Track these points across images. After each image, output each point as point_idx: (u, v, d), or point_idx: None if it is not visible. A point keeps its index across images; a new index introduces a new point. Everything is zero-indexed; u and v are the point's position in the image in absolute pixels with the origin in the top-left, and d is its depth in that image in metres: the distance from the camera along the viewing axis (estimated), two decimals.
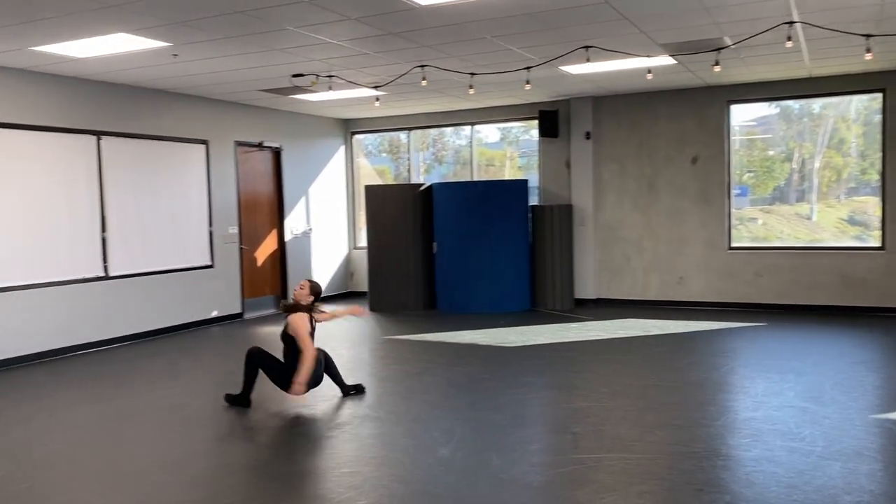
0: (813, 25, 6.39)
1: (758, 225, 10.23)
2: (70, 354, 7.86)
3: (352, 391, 5.87)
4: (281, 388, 5.54)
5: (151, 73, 7.82)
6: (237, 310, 10.09)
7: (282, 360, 5.56)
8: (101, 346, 8.20)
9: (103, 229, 8.23)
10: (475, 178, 11.52)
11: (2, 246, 7.25)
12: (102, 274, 8.24)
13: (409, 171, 12.12)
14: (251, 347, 5.67)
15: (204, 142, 9.57)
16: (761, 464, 4.16)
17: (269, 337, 8.82)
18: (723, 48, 7.15)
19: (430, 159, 12.56)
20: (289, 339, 5.51)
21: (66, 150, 7.87)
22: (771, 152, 10.15)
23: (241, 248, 10.18)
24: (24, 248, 7.45)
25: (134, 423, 5.40)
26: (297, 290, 5.71)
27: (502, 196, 10.21)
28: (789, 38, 6.39)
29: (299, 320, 5.49)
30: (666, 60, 7.78)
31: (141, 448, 4.80)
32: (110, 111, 8.34)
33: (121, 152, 8.45)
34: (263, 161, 10.75)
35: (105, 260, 8.26)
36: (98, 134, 8.20)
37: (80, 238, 7.99)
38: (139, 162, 8.68)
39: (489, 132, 11.84)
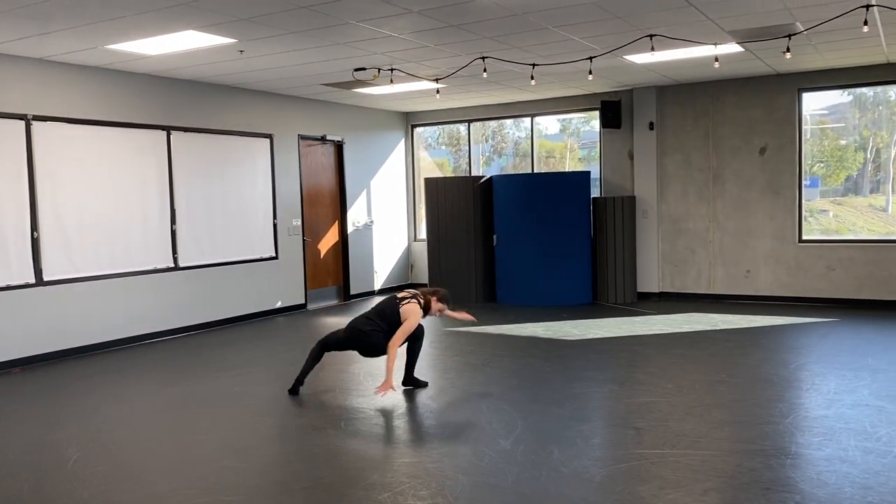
0: (891, 8, 6.12)
1: (829, 217, 9.89)
2: (141, 343, 8.14)
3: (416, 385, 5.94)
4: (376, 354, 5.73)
5: (218, 69, 8.01)
6: (300, 301, 10.27)
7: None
8: (170, 334, 8.47)
9: (173, 222, 8.48)
10: (535, 170, 11.44)
11: (80, 237, 7.55)
12: (172, 265, 8.50)
13: (468, 163, 12.12)
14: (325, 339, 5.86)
15: (268, 136, 9.76)
16: (833, 464, 4.03)
17: (330, 328, 8.97)
18: (794, 34, 6.91)
19: (490, 151, 12.53)
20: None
21: (138, 144, 8.13)
22: (843, 142, 9.78)
23: (305, 240, 10.36)
24: (100, 240, 7.74)
25: (202, 409, 5.56)
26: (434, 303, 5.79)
27: (563, 188, 10.11)
28: (866, 23, 6.13)
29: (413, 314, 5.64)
30: (734, 48, 7.57)
31: (209, 434, 4.94)
32: (179, 107, 8.58)
33: (189, 146, 8.69)
34: (326, 154, 10.90)
35: (175, 251, 8.51)
36: (168, 129, 8.45)
37: (151, 230, 8.26)
38: (207, 156, 8.91)
39: (549, 124, 11.74)
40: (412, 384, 5.88)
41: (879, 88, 9.31)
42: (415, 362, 5.91)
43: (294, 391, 5.79)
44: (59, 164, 7.37)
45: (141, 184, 8.15)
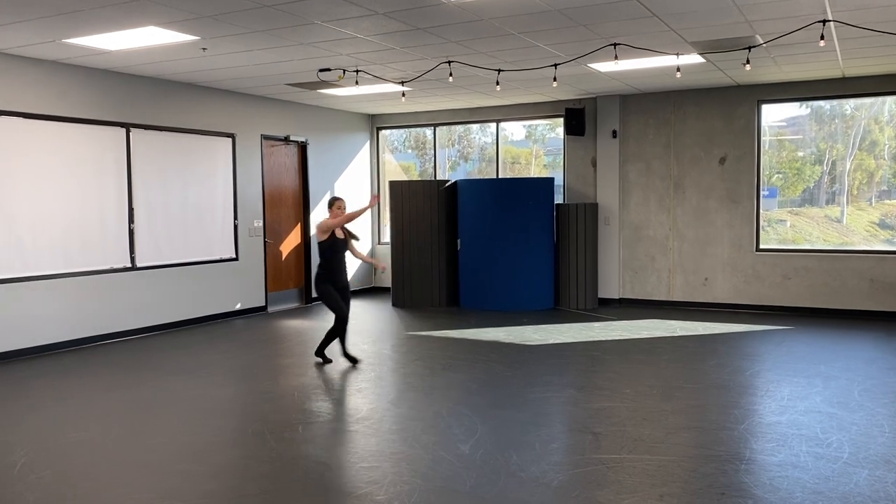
0: (847, 24, 6.28)
1: (786, 227, 10.09)
2: (96, 344, 7.96)
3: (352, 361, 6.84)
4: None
5: (180, 66, 7.89)
6: (261, 303, 10.15)
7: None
8: (127, 336, 8.31)
9: (131, 221, 8.33)
10: (500, 176, 11.48)
11: (33, 235, 7.36)
12: (129, 265, 8.33)
13: (434, 167, 12.11)
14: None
15: (231, 135, 9.64)
16: (786, 469, 4.10)
17: (291, 331, 8.88)
18: (754, 47, 7.04)
19: (456, 156, 12.54)
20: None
21: (96, 141, 7.96)
22: (801, 153, 10.00)
23: (266, 242, 10.24)
24: (54, 238, 7.55)
25: (157, 413, 5.46)
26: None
27: (527, 194, 10.16)
28: (822, 38, 6.28)
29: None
30: (695, 59, 7.69)
31: (164, 438, 4.85)
32: (140, 104, 8.43)
33: (149, 145, 8.54)
34: (289, 155, 10.80)
35: (132, 251, 8.35)
36: (128, 126, 8.29)
37: (108, 229, 8.09)
38: (167, 154, 8.77)
39: (515, 130, 11.80)
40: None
41: (836, 102, 9.54)
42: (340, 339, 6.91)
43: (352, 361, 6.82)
44: (13, 160, 7.17)
45: (99, 182, 7.98)
